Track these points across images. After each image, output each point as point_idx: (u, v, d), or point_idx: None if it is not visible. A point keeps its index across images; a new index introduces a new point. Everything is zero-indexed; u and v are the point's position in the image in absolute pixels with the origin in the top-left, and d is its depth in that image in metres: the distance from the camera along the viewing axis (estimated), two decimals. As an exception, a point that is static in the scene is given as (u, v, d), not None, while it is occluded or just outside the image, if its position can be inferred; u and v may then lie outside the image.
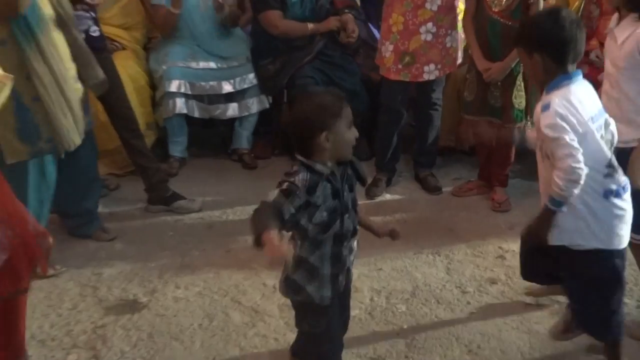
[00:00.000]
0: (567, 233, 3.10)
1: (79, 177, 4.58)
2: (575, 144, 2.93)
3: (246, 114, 6.19)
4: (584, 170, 2.93)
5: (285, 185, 2.71)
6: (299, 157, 2.80)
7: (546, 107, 2.97)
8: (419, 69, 5.30)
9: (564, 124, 2.94)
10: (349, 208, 2.92)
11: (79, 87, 4.23)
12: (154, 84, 6.05)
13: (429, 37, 5.22)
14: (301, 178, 2.75)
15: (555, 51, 3.00)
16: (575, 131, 2.94)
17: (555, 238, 3.12)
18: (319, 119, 2.74)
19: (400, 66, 5.30)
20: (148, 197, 5.30)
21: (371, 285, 4.27)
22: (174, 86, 5.88)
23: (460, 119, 5.49)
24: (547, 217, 3.09)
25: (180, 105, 5.92)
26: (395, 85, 5.37)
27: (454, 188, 5.73)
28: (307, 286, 2.97)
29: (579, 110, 2.97)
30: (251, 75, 6.07)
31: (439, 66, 5.34)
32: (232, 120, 6.25)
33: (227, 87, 6.04)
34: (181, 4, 5.72)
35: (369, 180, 5.27)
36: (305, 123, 2.74)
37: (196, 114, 6.01)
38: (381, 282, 4.32)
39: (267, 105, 6.22)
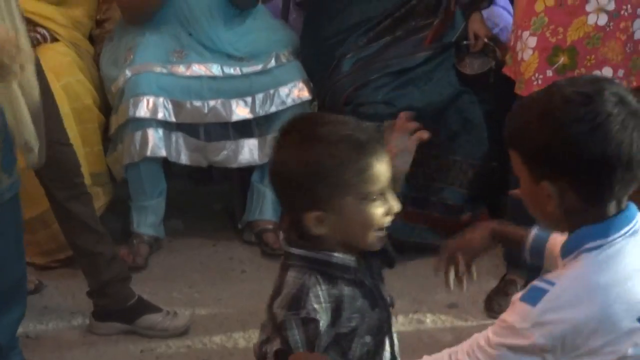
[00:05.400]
0: None
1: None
2: None
3: (274, 160, 4.89)
4: None
5: (291, 333, 2.08)
6: (292, 250, 2.15)
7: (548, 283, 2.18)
8: (584, 78, 4.48)
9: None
10: (388, 310, 2.37)
11: None
12: (108, 103, 5.10)
13: (603, 20, 4.45)
14: (314, 299, 2.09)
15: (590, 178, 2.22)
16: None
17: None
18: (306, 187, 2.11)
19: (550, 73, 4.45)
20: (94, 308, 4.44)
21: None
22: (144, 108, 4.88)
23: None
24: None
25: (155, 142, 4.95)
26: None
27: None
28: None
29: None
30: (286, 89, 5.01)
31: (623, 72, 4.45)
32: (249, 171, 5.24)
33: (241, 111, 5.00)
34: None
35: (494, 284, 4.52)
36: (284, 188, 2.16)
37: (183, 159, 5.05)
38: None
39: None
